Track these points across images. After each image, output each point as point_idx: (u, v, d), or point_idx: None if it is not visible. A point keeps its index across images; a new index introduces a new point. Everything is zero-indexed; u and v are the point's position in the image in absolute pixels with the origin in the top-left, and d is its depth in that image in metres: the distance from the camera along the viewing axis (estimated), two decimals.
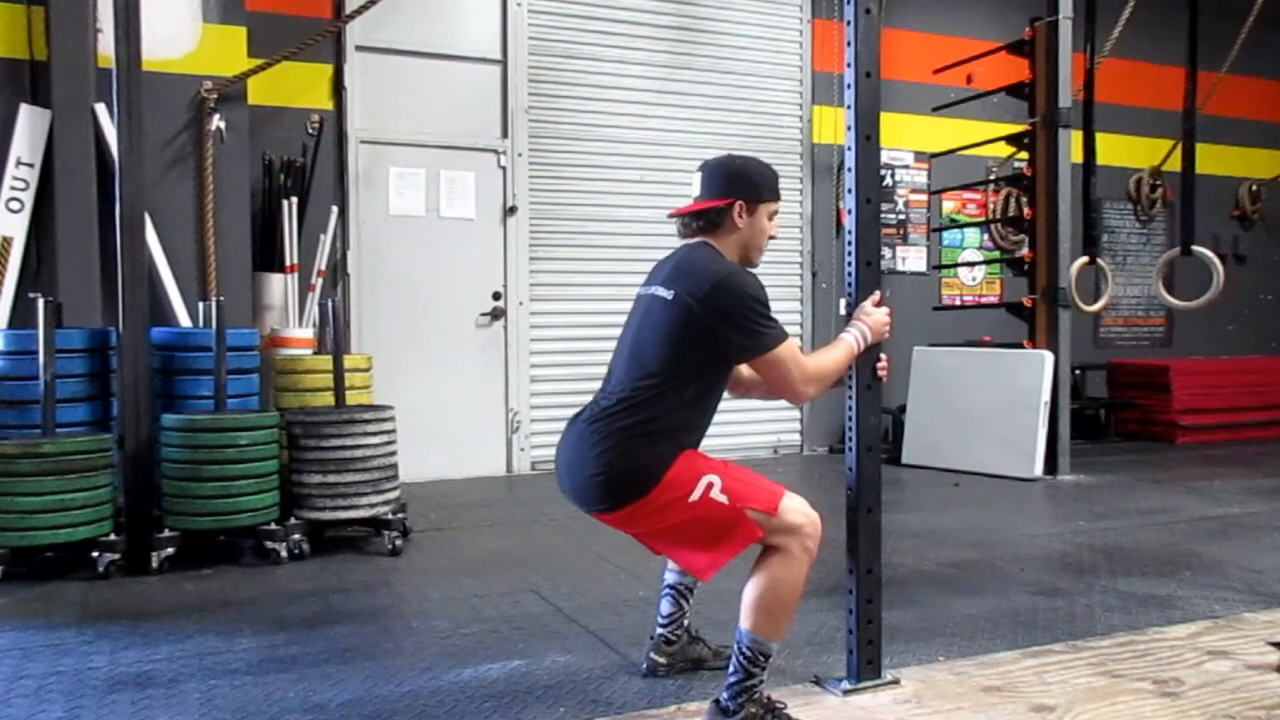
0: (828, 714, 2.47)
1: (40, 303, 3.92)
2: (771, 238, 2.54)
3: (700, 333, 2.34)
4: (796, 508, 2.34)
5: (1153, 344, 8.99)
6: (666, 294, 2.39)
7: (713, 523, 2.32)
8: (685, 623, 2.75)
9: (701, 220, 2.49)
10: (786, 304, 7.30)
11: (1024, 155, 6.49)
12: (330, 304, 4.71)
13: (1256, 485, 5.92)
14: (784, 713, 2.36)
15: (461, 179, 6.36)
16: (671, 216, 2.59)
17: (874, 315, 2.54)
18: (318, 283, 5.68)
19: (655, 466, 2.32)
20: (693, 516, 2.32)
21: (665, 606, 2.73)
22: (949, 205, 8.06)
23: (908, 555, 4.14)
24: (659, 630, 2.75)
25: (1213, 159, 8.28)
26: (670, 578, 2.74)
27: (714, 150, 7.15)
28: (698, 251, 2.45)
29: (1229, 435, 7.94)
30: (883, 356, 2.60)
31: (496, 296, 6.45)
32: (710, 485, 2.31)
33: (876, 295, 2.57)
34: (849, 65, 2.56)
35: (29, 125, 5.00)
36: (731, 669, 2.36)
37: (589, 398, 2.55)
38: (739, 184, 2.47)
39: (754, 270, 2.49)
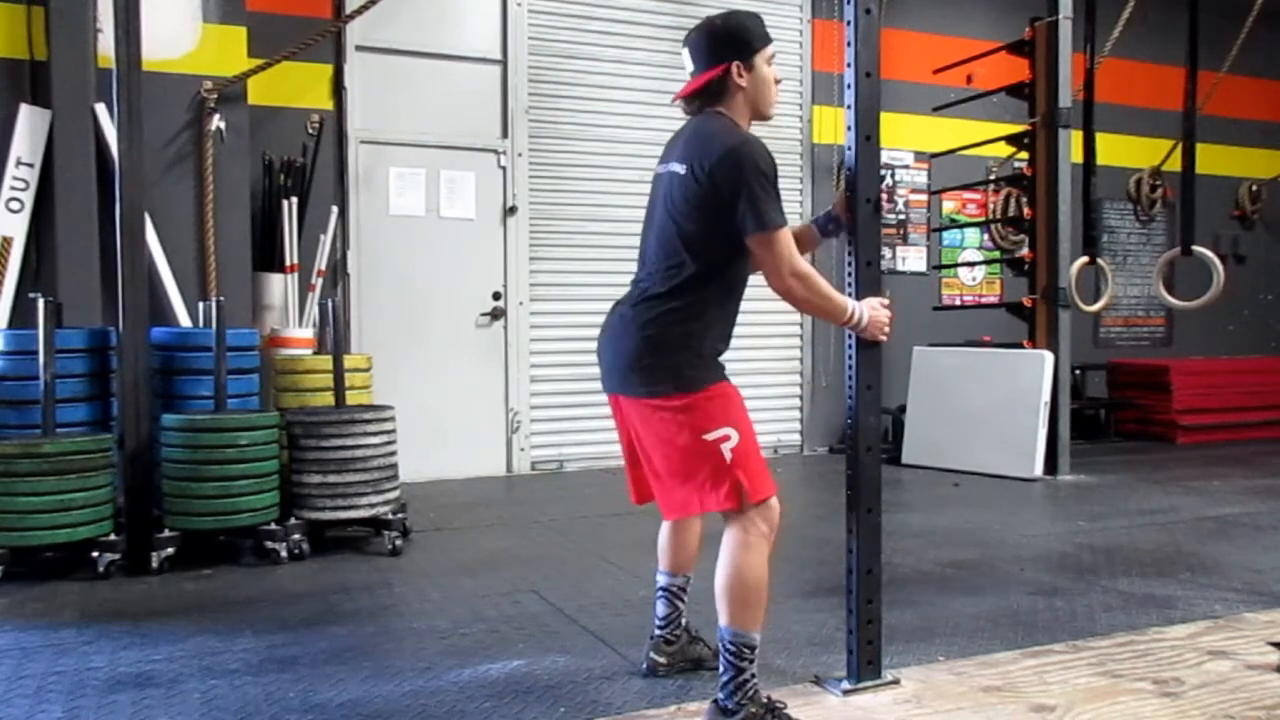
0: (828, 714, 2.47)
1: (40, 303, 3.92)
2: (777, 82, 2.49)
3: (715, 205, 2.31)
4: (773, 506, 2.36)
5: (1153, 344, 9.00)
6: (681, 168, 2.38)
7: (705, 468, 2.32)
8: (683, 622, 2.76)
9: (704, 95, 2.45)
10: (787, 304, 7.27)
11: (1024, 155, 6.49)
12: (330, 304, 4.71)
13: (1256, 485, 5.92)
14: (784, 713, 2.36)
15: (461, 179, 6.36)
16: (674, 102, 2.55)
17: (878, 311, 2.52)
18: (318, 283, 5.68)
19: (698, 377, 2.34)
20: (694, 450, 2.32)
21: (660, 609, 2.73)
22: (949, 205, 8.06)
23: (908, 555, 4.14)
24: (657, 631, 2.75)
25: (1213, 159, 8.28)
26: (662, 580, 2.73)
27: None
28: (710, 122, 2.42)
29: (1229, 435, 7.94)
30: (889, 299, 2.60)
31: (496, 296, 6.45)
32: (727, 437, 2.31)
33: (886, 299, 2.57)
34: (849, 65, 2.56)
35: (29, 125, 5.00)
36: (721, 668, 2.36)
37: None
38: (729, 44, 2.41)
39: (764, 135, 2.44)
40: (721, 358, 2.45)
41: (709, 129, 2.40)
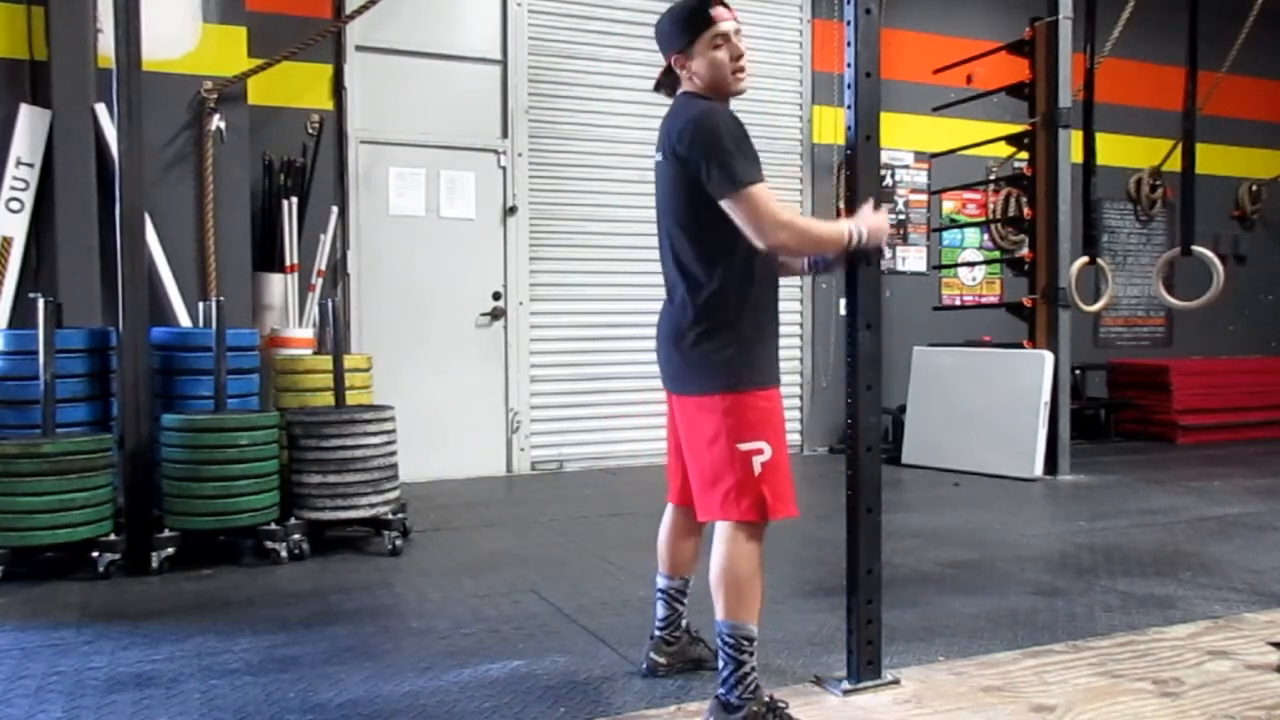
0: (828, 714, 2.47)
1: (40, 303, 3.92)
2: (737, 58, 2.41)
3: (695, 181, 2.32)
4: (752, 533, 2.36)
5: (1153, 344, 9.00)
6: (659, 156, 2.46)
7: (732, 477, 2.33)
8: (683, 624, 2.76)
9: (667, 83, 2.53)
10: (787, 304, 7.22)
11: (1024, 155, 6.49)
12: (330, 304, 4.70)
13: (1256, 485, 5.92)
14: (785, 712, 2.36)
15: (461, 179, 6.36)
16: (655, 91, 2.62)
17: (873, 219, 2.48)
18: (318, 283, 5.68)
19: (747, 375, 2.34)
20: (726, 457, 2.33)
21: (660, 610, 2.73)
22: (949, 205, 8.06)
23: (908, 555, 4.14)
24: (657, 632, 2.75)
25: (1213, 159, 8.28)
26: (661, 582, 2.73)
27: None
28: (677, 103, 2.48)
29: (1229, 435, 7.94)
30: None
31: (496, 296, 6.45)
32: (760, 450, 2.32)
33: (873, 201, 2.53)
34: (849, 65, 2.56)
35: (29, 125, 5.00)
36: (721, 663, 2.37)
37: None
38: (667, 39, 2.47)
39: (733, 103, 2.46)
40: (775, 348, 2.45)
41: (675, 110, 2.46)
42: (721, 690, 2.36)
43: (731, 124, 2.31)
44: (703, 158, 2.28)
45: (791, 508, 2.37)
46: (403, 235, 6.21)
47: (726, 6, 2.43)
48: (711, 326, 2.36)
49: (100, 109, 5.03)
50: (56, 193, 4.97)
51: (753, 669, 2.35)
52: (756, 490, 2.31)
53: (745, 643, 2.34)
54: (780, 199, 2.51)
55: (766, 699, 2.36)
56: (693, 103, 2.41)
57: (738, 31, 2.43)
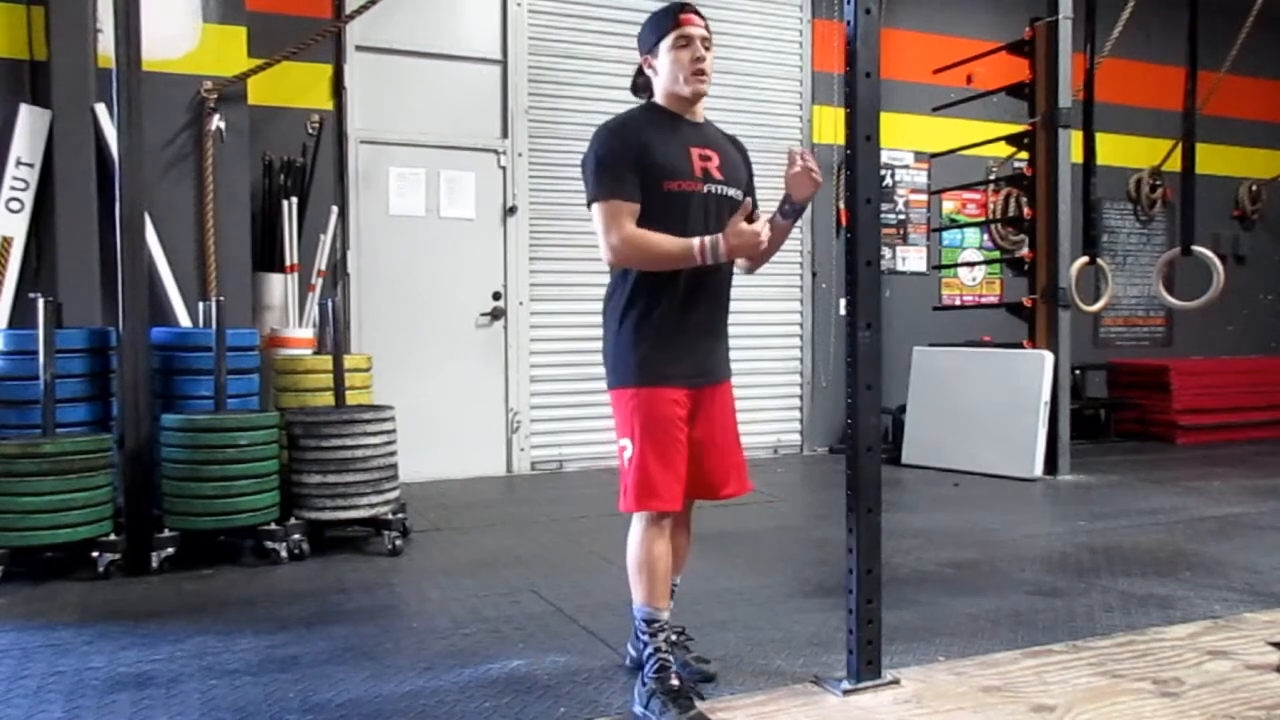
0: (828, 714, 2.47)
1: (40, 303, 3.92)
2: (697, 60, 2.50)
3: None
4: (657, 518, 2.46)
5: (1153, 344, 9.00)
6: None
7: (621, 464, 2.52)
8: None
9: (639, 90, 2.66)
10: (786, 304, 7.30)
11: (1024, 155, 6.49)
12: (330, 304, 4.71)
13: (1256, 485, 5.92)
14: (686, 701, 2.37)
15: (461, 179, 6.36)
16: (633, 94, 2.73)
17: (741, 236, 2.42)
18: (318, 283, 5.68)
19: (621, 372, 2.50)
20: (618, 449, 2.53)
21: None
22: (949, 205, 8.06)
23: (908, 555, 4.14)
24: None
25: (1213, 159, 8.28)
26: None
27: None
28: None
29: (1229, 435, 7.94)
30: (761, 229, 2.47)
31: (496, 296, 6.45)
32: (624, 448, 2.49)
33: (748, 204, 2.48)
34: (849, 65, 2.56)
35: (29, 125, 5.00)
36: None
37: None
38: (641, 43, 2.61)
39: (683, 92, 2.53)
40: (673, 347, 2.50)
41: None
42: (644, 666, 2.46)
43: (606, 143, 2.46)
44: (582, 172, 2.52)
45: (647, 503, 2.45)
46: (403, 235, 6.21)
47: (699, 16, 2.55)
48: (607, 322, 2.56)
49: (100, 109, 5.03)
50: (56, 193, 4.97)
51: (658, 650, 2.44)
52: (625, 482, 2.48)
53: (646, 624, 2.47)
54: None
55: (675, 684, 2.40)
56: (618, 117, 2.54)
57: (705, 40, 2.53)
